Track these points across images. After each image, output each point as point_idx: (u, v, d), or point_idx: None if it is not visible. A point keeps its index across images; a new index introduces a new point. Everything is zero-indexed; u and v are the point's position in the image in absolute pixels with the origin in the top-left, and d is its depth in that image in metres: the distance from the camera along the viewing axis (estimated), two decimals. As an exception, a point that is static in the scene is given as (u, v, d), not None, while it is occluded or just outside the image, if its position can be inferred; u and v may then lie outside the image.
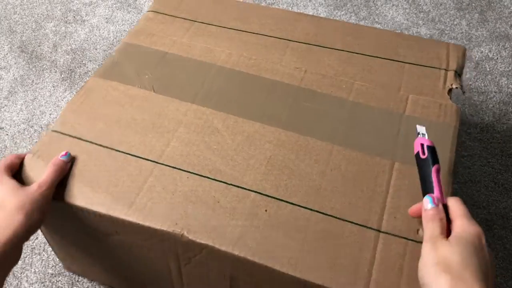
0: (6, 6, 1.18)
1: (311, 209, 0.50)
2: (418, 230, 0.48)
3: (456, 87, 0.61)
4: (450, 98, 0.60)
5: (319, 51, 0.66)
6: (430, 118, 0.58)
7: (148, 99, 0.59)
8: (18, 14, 1.16)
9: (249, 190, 0.51)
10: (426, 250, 0.43)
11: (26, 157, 0.54)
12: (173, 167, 0.53)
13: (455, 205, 0.45)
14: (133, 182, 0.51)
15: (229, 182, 0.51)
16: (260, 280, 0.49)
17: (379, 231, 0.48)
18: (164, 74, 0.62)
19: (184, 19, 0.71)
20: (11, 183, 0.50)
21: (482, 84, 0.99)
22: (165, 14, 0.72)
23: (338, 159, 0.54)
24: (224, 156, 0.54)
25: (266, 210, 0.49)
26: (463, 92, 0.62)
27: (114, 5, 1.19)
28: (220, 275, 0.51)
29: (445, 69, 0.64)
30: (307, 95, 0.60)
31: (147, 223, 0.48)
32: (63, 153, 0.53)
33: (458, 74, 0.63)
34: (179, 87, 0.61)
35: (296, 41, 0.67)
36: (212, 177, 0.52)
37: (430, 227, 0.44)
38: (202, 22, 0.70)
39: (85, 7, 1.18)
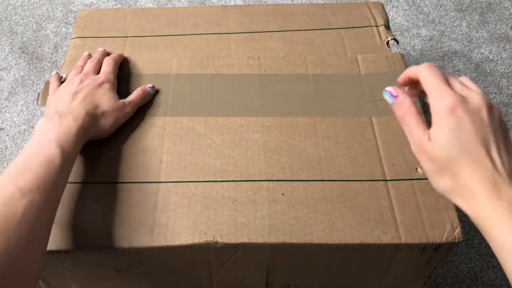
0: (7, 7, 1.19)
1: (321, 180, 0.52)
2: (416, 169, 0.53)
3: (392, 39, 0.67)
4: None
5: (261, 37, 0.68)
6: (383, 70, 0.63)
7: (118, 124, 0.57)
8: (19, 15, 1.17)
9: (259, 180, 0.52)
10: (419, 159, 0.40)
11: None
12: (176, 181, 0.52)
13: (422, 80, 0.41)
14: (144, 208, 0.50)
15: (238, 179, 0.52)
16: (298, 260, 0.51)
17: (385, 180, 0.52)
18: (123, 95, 0.60)
19: (115, 37, 0.68)
20: (115, 91, 0.57)
21: (483, 86, 1.00)
22: (93, 37, 0.68)
23: (323, 129, 0.57)
24: (221, 156, 0.54)
25: (283, 194, 0.51)
26: (397, 42, 0.69)
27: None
28: (256, 268, 0.52)
29: (375, 26, 0.70)
30: (270, 79, 0.62)
31: (177, 242, 0.47)
32: (150, 85, 0.59)
33: (387, 27, 0.70)
34: (145, 104, 0.59)
35: (235, 33, 0.69)
36: (219, 179, 0.52)
37: (406, 129, 0.41)
38: (135, 36, 0.68)
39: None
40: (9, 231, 0.36)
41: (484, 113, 0.38)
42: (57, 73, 0.61)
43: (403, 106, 0.41)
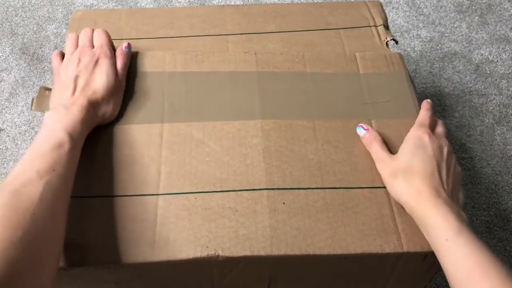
0: (7, 8, 1.18)
1: (322, 188, 0.52)
2: (418, 175, 0.53)
3: (391, 39, 0.66)
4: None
5: (259, 38, 0.67)
6: (382, 70, 0.62)
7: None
8: (20, 16, 1.16)
9: (259, 189, 0.51)
10: (380, 170, 0.52)
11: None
12: (176, 193, 0.51)
13: (420, 112, 0.56)
14: (143, 222, 0.49)
15: (238, 189, 0.51)
16: (299, 269, 0.51)
17: (386, 187, 0.52)
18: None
19: (109, 39, 0.67)
20: (112, 64, 0.58)
21: (482, 87, 1.00)
22: (86, 40, 0.67)
23: (323, 132, 0.56)
24: (220, 165, 0.53)
25: (284, 203, 0.50)
26: (396, 42, 0.68)
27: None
28: (258, 279, 0.51)
29: (374, 26, 0.68)
30: (269, 77, 0.61)
31: (178, 257, 0.47)
32: (126, 44, 0.61)
33: (386, 27, 0.69)
34: (140, 109, 0.58)
35: (233, 34, 0.67)
36: (219, 189, 0.51)
37: (372, 151, 0.53)
38: (130, 38, 0.67)
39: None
40: (32, 207, 0.40)
41: (445, 152, 0.51)
42: (59, 51, 0.63)
43: (371, 136, 0.54)
